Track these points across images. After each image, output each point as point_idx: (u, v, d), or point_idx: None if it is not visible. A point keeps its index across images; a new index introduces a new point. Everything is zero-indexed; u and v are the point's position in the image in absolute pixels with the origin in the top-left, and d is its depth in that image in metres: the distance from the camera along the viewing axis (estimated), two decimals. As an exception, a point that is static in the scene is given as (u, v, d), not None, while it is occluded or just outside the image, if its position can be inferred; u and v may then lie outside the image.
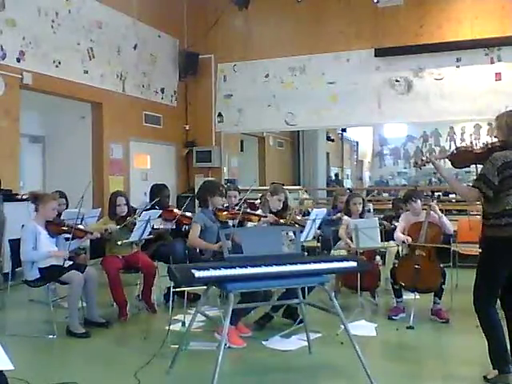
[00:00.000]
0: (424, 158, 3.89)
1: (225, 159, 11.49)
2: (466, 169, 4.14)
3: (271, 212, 5.33)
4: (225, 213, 5.17)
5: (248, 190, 6.27)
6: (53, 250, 4.87)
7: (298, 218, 5.68)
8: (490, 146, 3.56)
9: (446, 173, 3.78)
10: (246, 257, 3.59)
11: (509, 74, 9.41)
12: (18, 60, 7.70)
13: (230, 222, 5.37)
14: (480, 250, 3.79)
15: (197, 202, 5.60)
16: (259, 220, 5.18)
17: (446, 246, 5.35)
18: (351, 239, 5.48)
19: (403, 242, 5.20)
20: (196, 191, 5.47)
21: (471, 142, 5.49)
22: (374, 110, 10.24)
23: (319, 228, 5.69)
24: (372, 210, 7.11)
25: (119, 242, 5.14)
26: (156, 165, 10.81)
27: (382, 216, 6.65)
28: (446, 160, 3.77)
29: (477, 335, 3.61)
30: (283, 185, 7.84)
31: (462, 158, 3.70)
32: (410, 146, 19.81)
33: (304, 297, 4.49)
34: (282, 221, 5.22)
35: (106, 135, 9.39)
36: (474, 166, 3.73)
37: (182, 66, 11.25)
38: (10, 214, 6.53)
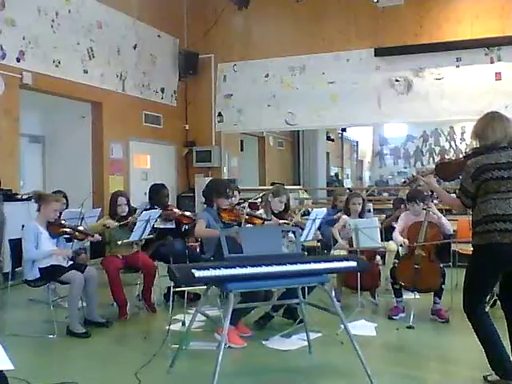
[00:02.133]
0: (411, 178, 4.06)
1: (225, 159, 11.48)
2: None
3: (272, 213, 5.32)
4: (228, 215, 5.14)
5: (251, 189, 6.24)
6: (55, 248, 4.87)
7: (299, 219, 5.66)
8: (465, 154, 3.58)
9: (437, 187, 3.90)
10: (246, 257, 3.58)
11: (509, 73, 9.41)
12: (18, 60, 7.70)
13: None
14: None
15: (197, 200, 5.58)
16: (262, 224, 5.16)
17: (446, 240, 5.35)
18: (351, 239, 5.47)
19: (401, 245, 5.23)
20: (203, 189, 5.40)
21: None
22: (374, 109, 10.23)
23: (319, 228, 5.68)
24: (372, 210, 7.10)
25: (119, 242, 5.15)
26: (156, 165, 10.81)
27: (384, 216, 6.65)
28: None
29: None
30: (283, 185, 7.83)
31: (445, 171, 3.75)
32: (410, 146, 19.82)
33: (304, 297, 4.49)
34: (282, 221, 5.21)
35: (105, 135, 9.38)
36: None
37: (182, 65, 11.24)
38: (10, 214, 6.54)
